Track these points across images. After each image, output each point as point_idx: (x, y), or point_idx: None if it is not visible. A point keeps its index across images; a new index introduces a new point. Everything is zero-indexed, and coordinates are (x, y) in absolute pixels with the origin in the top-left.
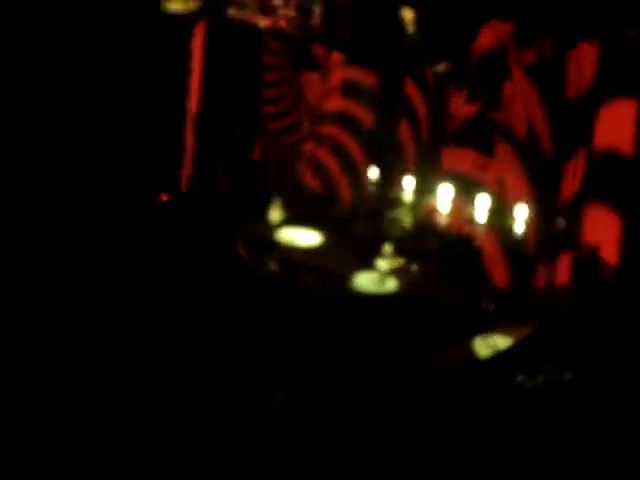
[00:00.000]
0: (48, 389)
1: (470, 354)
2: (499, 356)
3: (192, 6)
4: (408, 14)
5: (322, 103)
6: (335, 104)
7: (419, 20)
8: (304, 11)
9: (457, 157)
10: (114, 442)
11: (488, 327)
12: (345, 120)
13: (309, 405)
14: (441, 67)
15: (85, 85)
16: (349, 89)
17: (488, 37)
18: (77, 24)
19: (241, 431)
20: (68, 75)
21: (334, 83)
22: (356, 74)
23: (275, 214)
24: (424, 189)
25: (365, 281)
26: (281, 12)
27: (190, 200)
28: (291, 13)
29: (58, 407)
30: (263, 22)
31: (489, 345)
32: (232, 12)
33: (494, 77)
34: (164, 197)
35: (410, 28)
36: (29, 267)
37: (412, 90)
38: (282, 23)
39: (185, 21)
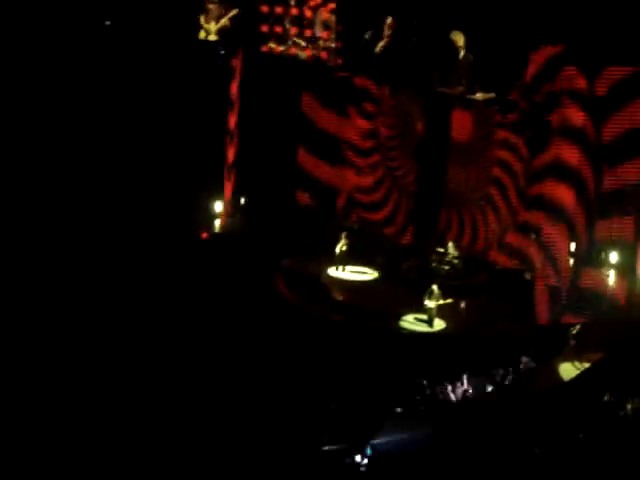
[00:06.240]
0: None
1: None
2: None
3: (224, 24)
4: (459, 38)
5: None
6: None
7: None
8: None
9: None
10: None
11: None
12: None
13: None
14: (479, 96)
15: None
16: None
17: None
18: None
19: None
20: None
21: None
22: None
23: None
24: None
25: (413, 320)
26: (322, 43)
27: (230, 237)
28: (332, 44)
29: None
30: (303, 54)
31: (574, 367)
32: (272, 45)
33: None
34: (204, 235)
35: (462, 52)
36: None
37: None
38: (323, 55)
39: (223, 54)
